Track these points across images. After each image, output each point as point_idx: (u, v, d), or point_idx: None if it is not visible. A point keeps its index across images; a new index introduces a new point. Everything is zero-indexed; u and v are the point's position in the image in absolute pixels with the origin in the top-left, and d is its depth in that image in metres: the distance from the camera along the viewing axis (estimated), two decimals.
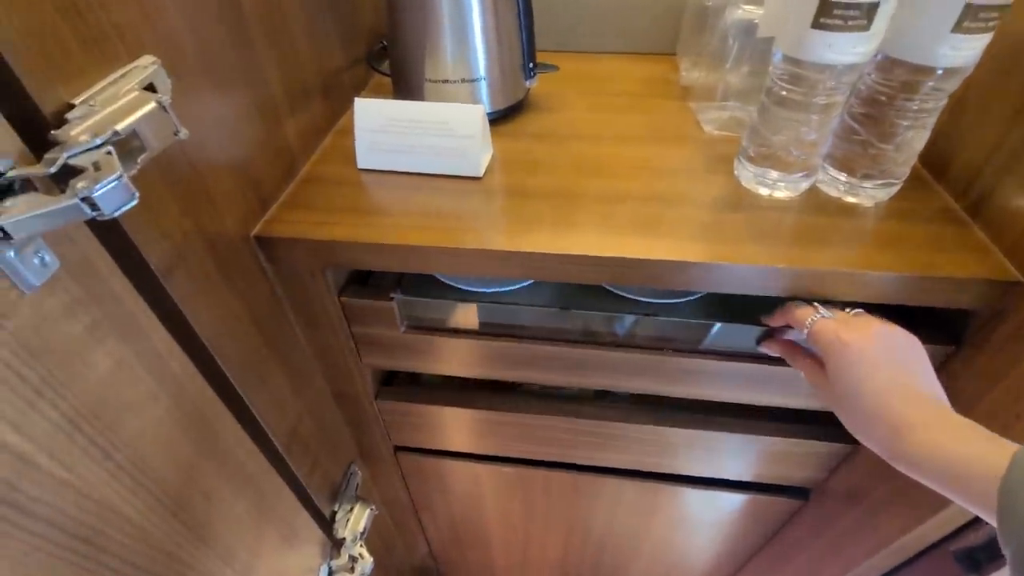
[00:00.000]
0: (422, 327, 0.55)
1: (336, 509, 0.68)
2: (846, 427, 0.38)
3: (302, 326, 0.54)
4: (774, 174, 0.46)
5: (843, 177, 0.47)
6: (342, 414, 0.68)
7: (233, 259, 0.43)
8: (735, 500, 0.71)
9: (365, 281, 0.56)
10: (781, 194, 0.47)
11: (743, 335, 0.50)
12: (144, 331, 0.32)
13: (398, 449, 0.74)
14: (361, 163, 0.52)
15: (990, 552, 0.47)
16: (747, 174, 0.48)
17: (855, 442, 0.57)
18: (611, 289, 0.54)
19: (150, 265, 0.33)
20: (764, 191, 0.48)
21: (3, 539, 0.23)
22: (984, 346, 0.43)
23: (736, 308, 0.52)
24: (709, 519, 0.77)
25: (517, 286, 0.56)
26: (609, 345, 0.53)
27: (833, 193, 0.48)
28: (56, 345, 0.26)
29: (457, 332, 0.54)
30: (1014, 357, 0.40)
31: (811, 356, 0.42)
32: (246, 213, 0.44)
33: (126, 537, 0.30)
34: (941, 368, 0.46)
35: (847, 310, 0.41)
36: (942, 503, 0.47)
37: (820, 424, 0.59)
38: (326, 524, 0.65)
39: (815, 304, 0.42)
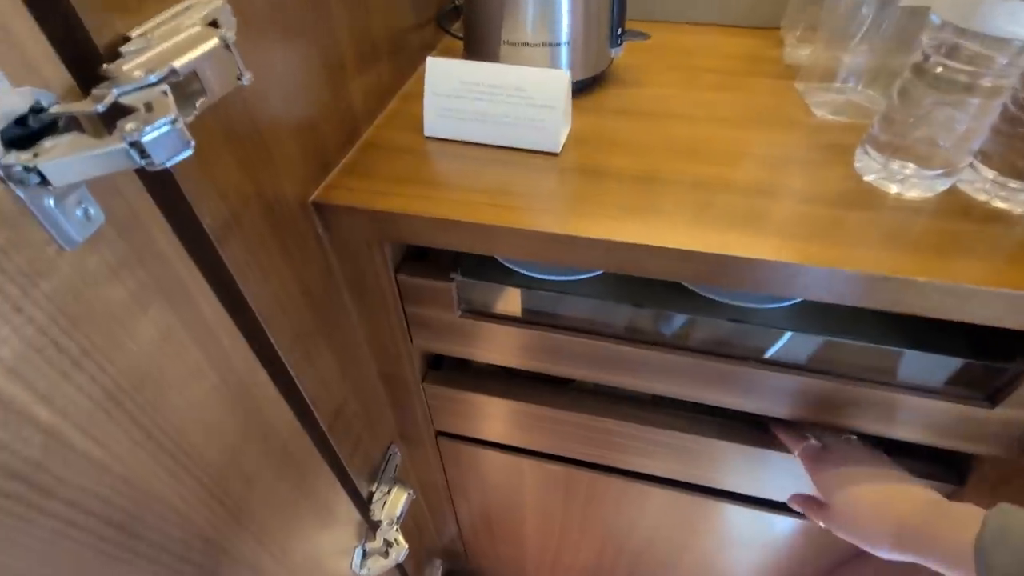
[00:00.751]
0: (479, 312, 0.51)
1: (374, 490, 0.66)
2: (853, 542, 0.41)
3: (355, 302, 0.51)
4: (909, 168, 0.39)
5: (992, 176, 0.39)
6: (387, 395, 0.66)
7: (290, 226, 0.40)
8: (793, 525, 0.64)
9: (422, 259, 0.52)
10: (913, 193, 0.40)
11: (835, 351, 0.44)
12: (193, 298, 0.29)
13: (440, 434, 0.71)
14: (428, 130, 0.48)
15: None
16: (873, 166, 0.41)
17: (961, 482, 0.50)
18: (692, 288, 0.49)
19: (203, 225, 0.29)
20: (893, 188, 0.41)
21: (26, 524, 0.20)
22: None
23: (831, 319, 0.45)
24: (761, 542, 0.71)
25: (585, 275, 0.51)
26: (681, 350, 0.47)
27: (980, 196, 0.40)
28: (98, 310, 0.23)
29: (516, 321, 0.50)
30: None
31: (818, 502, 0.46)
32: (306, 177, 0.41)
33: (163, 523, 0.27)
34: None
35: (842, 437, 0.47)
36: None
37: (909, 457, 0.52)
38: (363, 505, 0.63)
39: (806, 433, 0.49)
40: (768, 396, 0.48)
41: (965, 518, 0.34)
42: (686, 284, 0.49)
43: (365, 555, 0.63)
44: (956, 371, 0.43)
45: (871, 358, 0.45)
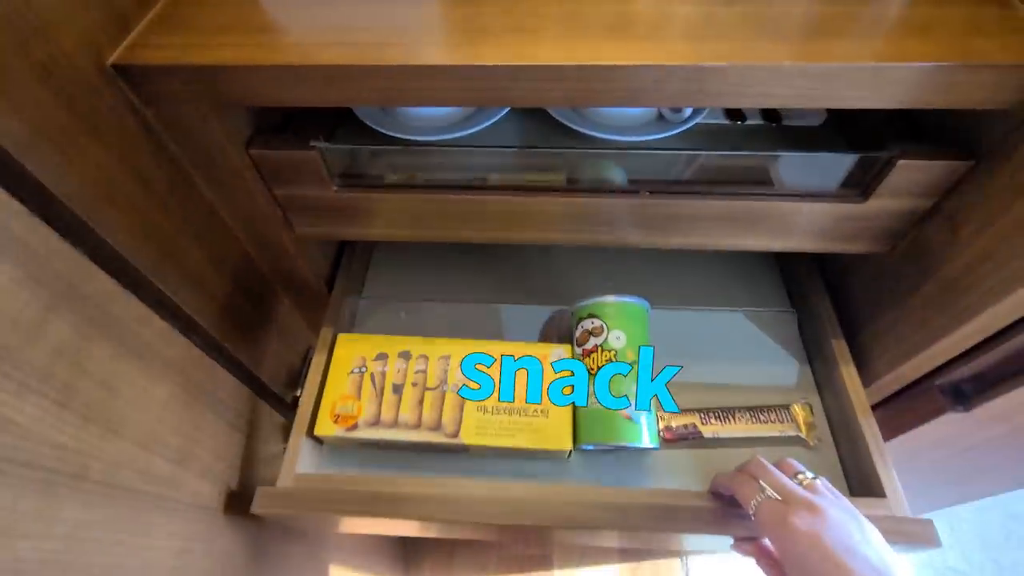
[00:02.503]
0: (357, 185, 0.46)
1: (298, 394, 0.64)
2: None
3: (215, 193, 0.45)
4: None
5: None
6: (290, 297, 0.62)
7: (89, 98, 0.33)
8: None
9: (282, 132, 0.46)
10: None
11: (734, 170, 0.43)
12: None
13: None
14: None
15: (977, 384, 0.45)
16: None
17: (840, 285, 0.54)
18: (577, 128, 0.46)
19: None
20: None
21: None
22: (1011, 156, 0.37)
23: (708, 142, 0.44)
24: None
25: (463, 132, 0.47)
26: (572, 193, 0.45)
27: None
28: None
29: (397, 188, 0.46)
30: None
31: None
32: (93, 30, 0.33)
33: None
34: (957, 187, 0.41)
35: (800, 476, 0.39)
36: (930, 341, 0.44)
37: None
38: (288, 410, 0.62)
39: (760, 482, 0.38)
40: (664, 226, 0.47)
41: None
42: (571, 124, 0.46)
43: None
44: (831, 170, 0.43)
45: (749, 172, 0.45)
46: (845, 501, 0.37)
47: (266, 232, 0.50)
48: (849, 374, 0.51)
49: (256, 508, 0.44)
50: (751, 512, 0.38)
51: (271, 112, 0.46)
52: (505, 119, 0.48)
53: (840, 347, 0.53)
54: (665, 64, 0.33)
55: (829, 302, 0.56)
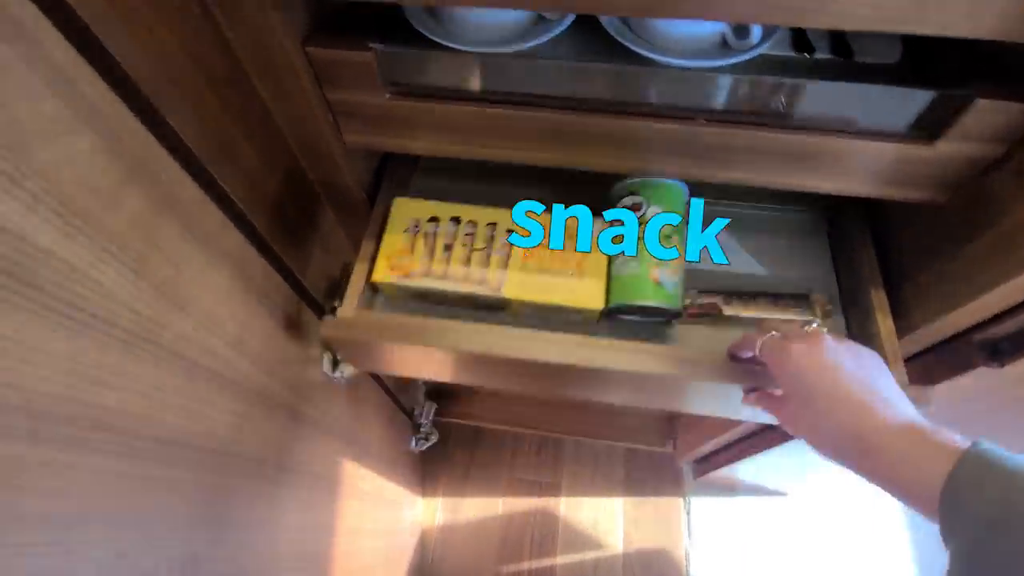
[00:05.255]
0: (410, 92, 0.46)
1: (336, 304, 0.67)
2: (807, 444, 0.38)
3: (267, 89, 0.45)
4: None
5: None
6: (332, 208, 0.63)
7: None
8: None
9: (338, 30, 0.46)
10: None
11: (796, 102, 0.42)
12: (25, 29, 0.24)
13: None
14: None
15: (1016, 343, 0.45)
16: None
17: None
18: (637, 50, 0.44)
19: None
20: None
21: None
22: None
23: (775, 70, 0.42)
24: None
25: (517, 46, 0.45)
26: (637, 115, 0.44)
27: None
28: None
29: (454, 97, 0.46)
30: None
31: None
32: None
33: (66, 281, 0.26)
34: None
35: (805, 327, 0.43)
36: (975, 294, 0.43)
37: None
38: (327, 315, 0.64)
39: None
40: (718, 158, 0.46)
41: (939, 451, 0.30)
42: (629, 44, 0.45)
43: (337, 362, 0.65)
44: (902, 108, 0.41)
45: (812, 105, 0.43)
46: (849, 346, 0.39)
47: (315, 137, 0.50)
48: (885, 324, 0.50)
49: (324, 331, 0.50)
50: (757, 351, 0.41)
51: (327, 14, 0.45)
52: (559, 40, 0.46)
53: (879, 297, 0.52)
54: None
55: (873, 251, 0.55)
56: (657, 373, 0.48)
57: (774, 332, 0.41)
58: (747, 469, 1.13)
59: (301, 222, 0.57)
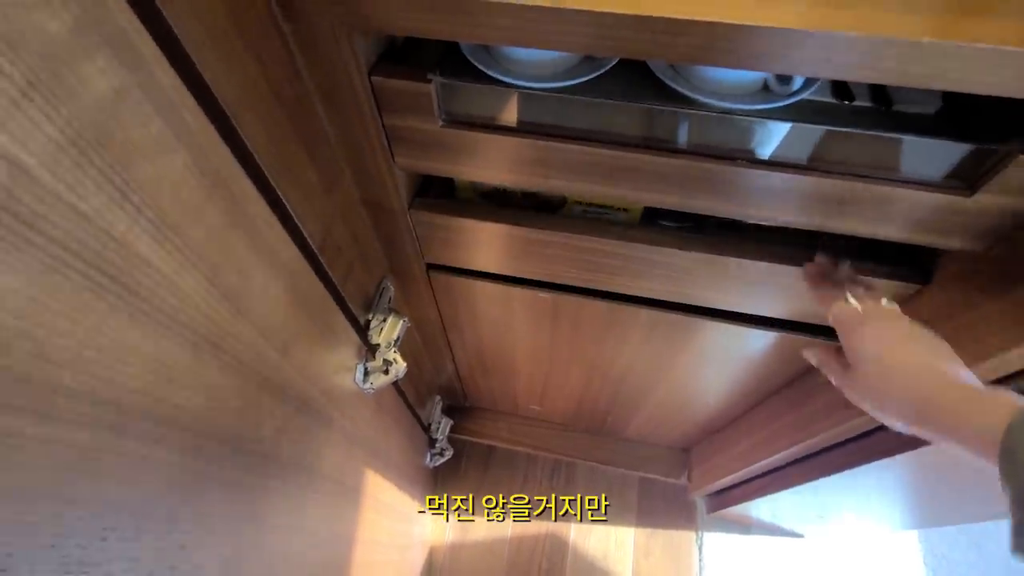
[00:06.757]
0: (462, 121, 0.48)
1: (370, 318, 0.69)
2: (866, 409, 0.40)
3: (329, 115, 0.48)
4: None
5: None
6: (373, 226, 0.66)
7: (247, 11, 0.36)
8: (768, 338, 0.69)
9: (400, 62, 0.49)
10: None
11: (835, 147, 0.43)
12: (144, 59, 0.27)
13: (430, 267, 0.73)
14: None
15: None
16: None
17: (926, 280, 0.53)
18: (682, 91, 0.46)
19: None
20: None
21: (12, 252, 0.20)
22: None
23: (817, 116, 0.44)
24: (737, 356, 0.77)
25: (571, 82, 0.48)
26: (676, 152, 0.46)
27: None
28: (33, 40, 0.21)
29: (502, 129, 0.48)
30: None
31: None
32: None
33: (157, 287, 0.28)
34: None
35: (883, 299, 0.43)
36: (1012, 339, 0.44)
37: (881, 263, 0.54)
38: (361, 330, 0.66)
39: (848, 293, 0.44)
40: (756, 199, 0.48)
41: (998, 406, 0.33)
42: (673, 85, 0.47)
43: (367, 373, 0.67)
44: (940, 159, 0.43)
45: (850, 151, 0.44)
46: (920, 326, 0.41)
47: (369, 159, 0.53)
48: None
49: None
50: (829, 314, 0.44)
51: (388, 48, 0.48)
52: (606, 78, 0.48)
53: None
54: (794, 28, 0.33)
55: None
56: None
57: (851, 299, 0.44)
58: (763, 508, 1.11)
59: (346, 239, 0.60)
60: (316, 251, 0.51)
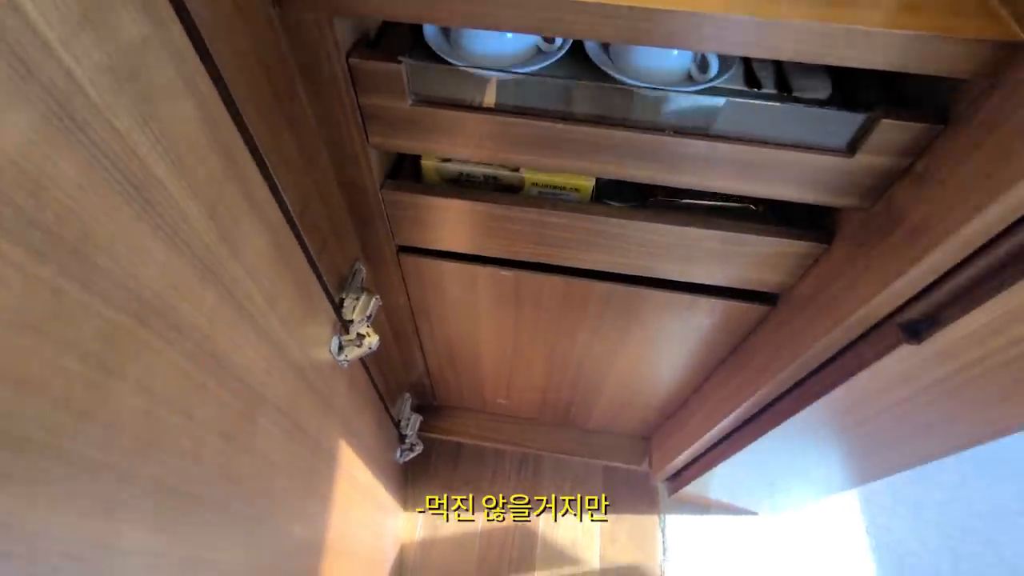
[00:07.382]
0: (430, 101, 0.55)
1: (344, 297, 0.73)
2: None
3: (309, 94, 0.54)
4: None
5: None
6: (348, 207, 0.71)
7: None
8: (711, 306, 0.77)
9: (374, 47, 0.55)
10: None
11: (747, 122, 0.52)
12: (163, 18, 0.32)
13: (400, 249, 0.78)
14: None
15: (930, 322, 0.54)
16: None
17: (829, 241, 0.62)
18: (618, 77, 0.54)
19: None
20: None
21: (68, 147, 0.25)
22: (970, 123, 0.45)
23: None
24: (685, 327, 0.85)
25: (531, 68, 0.55)
26: (618, 126, 0.54)
27: None
28: None
29: (468, 108, 0.55)
30: (1002, 122, 0.42)
31: None
32: None
33: (169, 207, 0.33)
34: (928, 149, 0.49)
35: None
36: (891, 279, 0.52)
37: (801, 225, 0.63)
38: (336, 307, 0.71)
39: None
40: (684, 165, 0.56)
41: None
42: (612, 72, 0.55)
43: (341, 346, 0.71)
44: (834, 133, 0.52)
45: (760, 125, 0.53)
46: None
47: (344, 137, 0.58)
48: None
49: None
50: None
51: (362, 36, 0.54)
52: (554, 68, 0.56)
53: None
54: (698, 12, 0.42)
55: None
56: None
57: None
58: (718, 484, 1.18)
59: (322, 217, 0.64)
60: (296, 219, 0.56)
